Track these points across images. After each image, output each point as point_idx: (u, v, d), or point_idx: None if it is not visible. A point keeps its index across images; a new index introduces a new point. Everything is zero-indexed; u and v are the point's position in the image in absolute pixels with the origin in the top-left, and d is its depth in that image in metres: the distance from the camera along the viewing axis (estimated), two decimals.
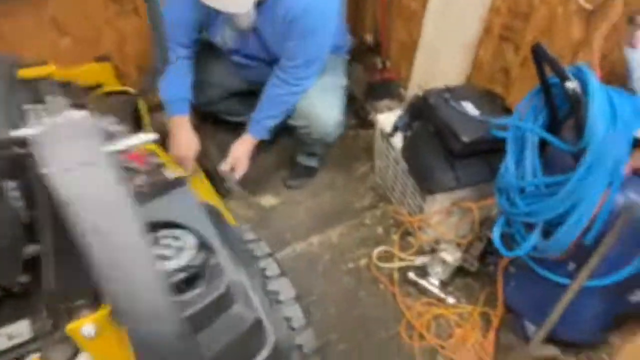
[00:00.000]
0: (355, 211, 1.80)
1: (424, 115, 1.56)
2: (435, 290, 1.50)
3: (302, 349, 0.88)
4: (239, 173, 1.61)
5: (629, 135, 0.86)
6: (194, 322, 0.62)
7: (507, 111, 1.59)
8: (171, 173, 0.82)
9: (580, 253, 1.02)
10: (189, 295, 0.63)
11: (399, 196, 1.75)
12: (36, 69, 1.66)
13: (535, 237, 1.05)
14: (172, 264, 0.62)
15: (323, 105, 1.55)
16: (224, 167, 1.59)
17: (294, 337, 0.87)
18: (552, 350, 1.29)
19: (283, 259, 1.61)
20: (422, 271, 1.58)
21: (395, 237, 1.69)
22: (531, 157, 1.08)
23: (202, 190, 1.51)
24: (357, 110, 2.29)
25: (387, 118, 1.73)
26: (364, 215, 1.78)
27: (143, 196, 0.74)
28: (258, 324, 0.71)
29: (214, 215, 0.92)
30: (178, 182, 0.77)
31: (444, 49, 1.83)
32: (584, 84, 0.88)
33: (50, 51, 1.73)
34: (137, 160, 0.84)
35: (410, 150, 1.56)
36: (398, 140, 1.65)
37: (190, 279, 0.64)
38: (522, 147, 1.11)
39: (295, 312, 0.90)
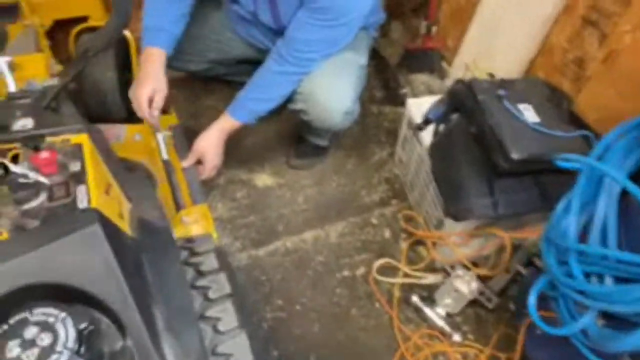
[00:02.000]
0: (363, 206, 1.53)
1: (466, 109, 1.24)
2: (440, 323, 1.27)
3: None
4: (205, 172, 1.27)
5: None
6: None
7: (574, 119, 1.26)
8: (84, 195, 0.56)
9: None
10: None
11: (417, 198, 1.47)
12: None
13: (587, 321, 0.77)
14: None
15: (330, 87, 1.20)
16: (185, 162, 1.24)
17: None
18: None
19: (270, 254, 1.39)
20: (429, 292, 1.33)
21: (404, 245, 1.43)
22: (604, 212, 0.78)
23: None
24: (388, 80, 1.95)
25: (419, 104, 1.41)
26: (372, 213, 1.51)
27: (27, 238, 0.49)
28: None
29: (153, 247, 0.67)
30: (86, 217, 0.51)
31: (508, 21, 1.46)
32: None
33: None
34: (44, 166, 0.59)
35: (440, 152, 1.26)
36: (428, 135, 1.34)
37: None
38: (595, 192, 0.81)
39: None
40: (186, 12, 1.26)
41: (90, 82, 1.45)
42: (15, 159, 0.64)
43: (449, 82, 1.73)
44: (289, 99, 1.26)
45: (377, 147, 1.71)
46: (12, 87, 0.97)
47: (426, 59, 1.87)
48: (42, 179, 0.58)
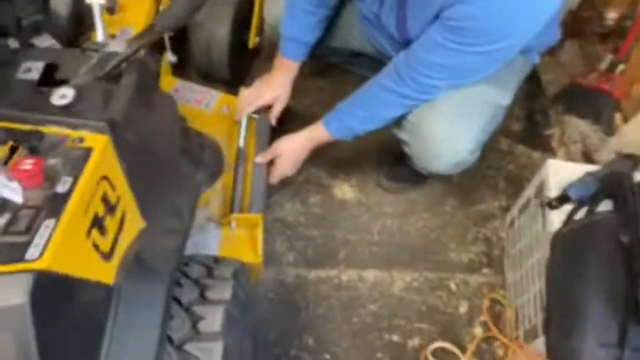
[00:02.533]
0: (446, 263, 1.26)
1: (626, 207, 0.89)
2: None
3: None
4: (274, 175, 1.13)
5: None
6: None
7: None
8: (42, 240, 0.42)
9: None
10: None
11: (515, 281, 1.16)
12: None
13: None
14: None
15: (447, 128, 0.92)
16: (259, 157, 1.12)
17: None
18: None
19: (320, 281, 1.21)
20: None
21: (479, 332, 1.15)
22: None
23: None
24: (534, 112, 1.58)
25: (563, 169, 1.06)
26: (453, 275, 1.24)
27: None
28: None
29: (138, 291, 0.53)
30: (18, 284, 0.37)
31: None
32: None
33: None
34: (26, 177, 0.46)
35: (567, 249, 0.93)
36: (560, 215, 1.01)
37: None
38: None
39: None
40: (324, 19, 1.12)
41: (200, 35, 1.35)
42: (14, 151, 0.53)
43: (614, 144, 1.32)
44: (395, 122, 1.02)
45: (489, 194, 1.39)
46: (99, 36, 0.89)
47: (594, 102, 1.44)
48: (14, 197, 0.46)
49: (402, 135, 1.02)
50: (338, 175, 1.39)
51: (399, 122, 1.01)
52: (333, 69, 1.56)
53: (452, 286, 1.22)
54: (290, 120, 1.46)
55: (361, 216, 1.33)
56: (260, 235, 1.01)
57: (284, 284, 1.21)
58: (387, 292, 1.21)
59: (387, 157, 1.40)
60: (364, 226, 1.31)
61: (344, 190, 1.37)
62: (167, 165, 0.73)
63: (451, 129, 0.92)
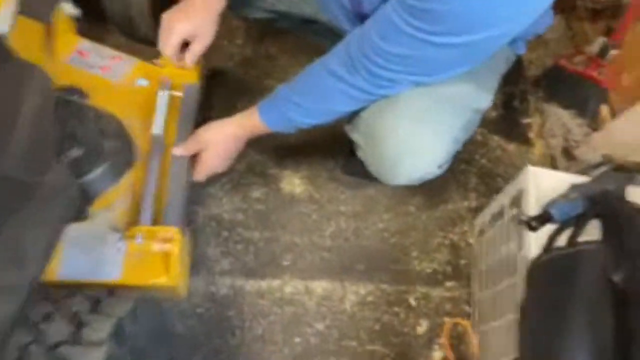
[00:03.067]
0: (406, 273, 1.10)
1: (619, 237, 0.74)
2: None
3: None
4: (199, 172, 0.90)
5: None
6: None
7: None
8: None
9: None
10: None
11: (483, 301, 1.02)
12: None
13: None
14: None
15: (410, 137, 0.72)
16: (178, 149, 0.88)
17: None
18: None
19: (259, 294, 1.04)
20: None
21: (437, 356, 1.02)
22: None
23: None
24: (512, 98, 1.41)
25: (545, 178, 0.90)
26: (414, 289, 1.09)
27: None
28: None
29: None
30: None
31: None
32: None
33: None
34: None
35: (546, 283, 0.78)
36: (537, 240, 0.85)
37: None
38: None
39: None
40: None
41: None
42: None
43: (599, 141, 1.17)
44: (348, 118, 0.81)
45: (457, 193, 1.23)
46: None
47: (579, 91, 1.28)
48: None
49: (355, 136, 0.82)
50: (286, 164, 1.18)
51: (352, 118, 0.80)
52: (288, 32, 1.31)
53: (412, 301, 1.07)
54: (230, 95, 1.23)
55: (311, 215, 1.14)
56: (177, 252, 0.80)
57: (216, 296, 1.02)
58: (337, 307, 1.04)
59: (345, 146, 1.19)
60: (314, 227, 1.13)
61: (293, 183, 1.17)
62: (9, 181, 0.50)
63: (416, 137, 0.72)
